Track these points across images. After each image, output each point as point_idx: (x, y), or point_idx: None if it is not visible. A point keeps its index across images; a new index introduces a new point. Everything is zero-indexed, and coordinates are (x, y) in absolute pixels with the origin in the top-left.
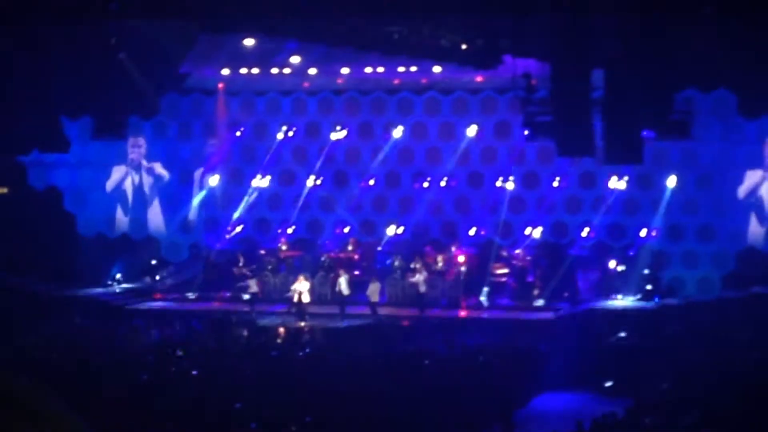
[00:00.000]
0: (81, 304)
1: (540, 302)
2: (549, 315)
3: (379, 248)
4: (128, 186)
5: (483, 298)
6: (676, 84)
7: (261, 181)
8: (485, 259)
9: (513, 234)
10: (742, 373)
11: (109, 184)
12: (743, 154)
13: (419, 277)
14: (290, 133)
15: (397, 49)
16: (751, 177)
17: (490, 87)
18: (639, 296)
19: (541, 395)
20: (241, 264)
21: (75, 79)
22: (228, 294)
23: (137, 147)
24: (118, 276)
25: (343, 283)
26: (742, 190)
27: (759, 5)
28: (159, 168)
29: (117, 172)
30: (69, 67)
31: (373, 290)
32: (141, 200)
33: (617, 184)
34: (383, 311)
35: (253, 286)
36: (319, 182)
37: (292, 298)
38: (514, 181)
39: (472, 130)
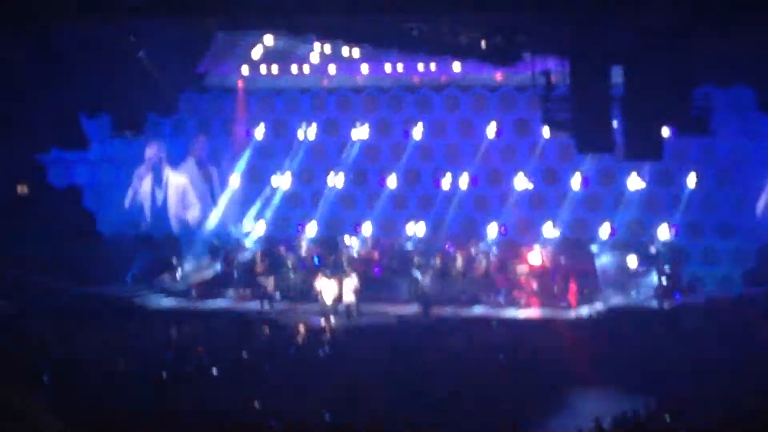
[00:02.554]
0: (101, 301)
1: (563, 301)
2: (570, 314)
3: (408, 245)
4: (148, 184)
5: (500, 298)
6: (695, 80)
7: (281, 180)
8: (506, 257)
9: (533, 231)
10: (764, 370)
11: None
12: (762, 149)
13: (424, 278)
14: (310, 131)
15: (416, 46)
16: None
17: (509, 84)
18: (660, 293)
19: (561, 392)
20: (259, 263)
21: (93, 77)
22: (248, 292)
23: (155, 148)
24: (138, 273)
25: (358, 283)
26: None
27: None
28: (178, 167)
29: (133, 171)
30: (87, 65)
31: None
32: (161, 198)
33: (637, 180)
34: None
35: (270, 284)
36: (338, 180)
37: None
38: (534, 178)
39: (491, 129)
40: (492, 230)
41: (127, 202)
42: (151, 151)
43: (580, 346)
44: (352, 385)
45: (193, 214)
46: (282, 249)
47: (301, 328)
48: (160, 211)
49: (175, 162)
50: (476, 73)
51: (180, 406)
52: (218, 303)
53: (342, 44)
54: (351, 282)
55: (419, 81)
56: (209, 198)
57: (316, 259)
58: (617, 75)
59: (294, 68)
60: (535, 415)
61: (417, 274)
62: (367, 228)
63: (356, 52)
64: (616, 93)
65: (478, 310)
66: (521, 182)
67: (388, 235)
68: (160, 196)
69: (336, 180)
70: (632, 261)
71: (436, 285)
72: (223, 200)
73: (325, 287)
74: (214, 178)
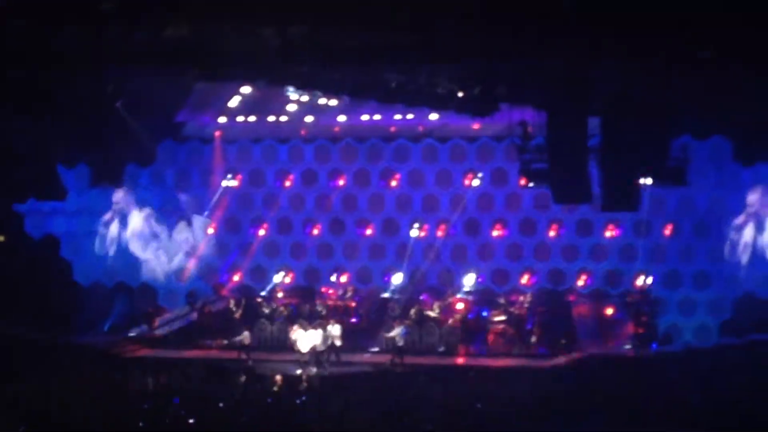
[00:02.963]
0: (78, 351)
1: (540, 350)
2: (547, 362)
3: (386, 295)
4: (124, 234)
5: (473, 346)
6: (672, 131)
7: (258, 229)
8: (483, 307)
9: (510, 281)
10: (740, 420)
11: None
12: (739, 200)
13: (396, 330)
14: (287, 182)
15: (394, 96)
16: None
17: (487, 134)
18: (636, 343)
19: None
20: (235, 311)
21: (72, 127)
22: (225, 342)
23: (131, 197)
24: (115, 323)
25: (335, 333)
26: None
27: (754, 54)
28: (155, 216)
29: (111, 221)
30: (66, 115)
31: (397, 333)
32: (137, 248)
33: (613, 231)
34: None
35: (247, 338)
36: (316, 230)
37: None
38: (511, 228)
39: (472, 181)
40: (469, 280)
41: (97, 249)
42: (117, 197)
43: (556, 394)
44: None
45: (163, 258)
46: (259, 298)
47: (278, 378)
48: (134, 259)
49: (147, 210)
50: (454, 123)
51: None
52: (195, 352)
53: (320, 95)
54: (328, 331)
55: (396, 131)
56: (184, 247)
57: (291, 309)
58: (594, 126)
59: (271, 118)
60: None
61: (393, 324)
62: (344, 277)
63: (333, 102)
64: (593, 144)
65: (454, 359)
66: (498, 232)
67: (365, 285)
68: (127, 242)
69: (314, 230)
70: (609, 310)
71: (413, 334)
72: (201, 249)
73: (301, 337)
74: (195, 227)
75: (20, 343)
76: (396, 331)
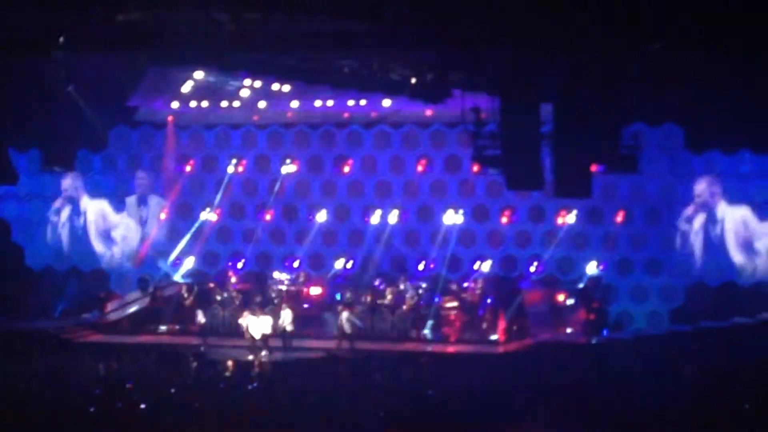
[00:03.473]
0: (29, 337)
1: (491, 336)
2: (499, 349)
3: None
4: (75, 219)
5: (427, 331)
6: (624, 118)
7: (210, 215)
8: (434, 293)
9: (462, 268)
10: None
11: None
12: (690, 188)
13: (344, 316)
14: (240, 167)
15: (347, 82)
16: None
17: (440, 121)
18: (588, 329)
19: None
20: (186, 297)
21: (23, 111)
22: (177, 327)
23: (83, 182)
24: (67, 308)
25: (286, 318)
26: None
27: (705, 42)
28: (106, 201)
29: (63, 206)
30: (17, 99)
31: (345, 319)
32: (89, 233)
33: (566, 218)
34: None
35: (201, 317)
36: (269, 216)
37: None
38: (464, 214)
39: (421, 165)
40: (421, 266)
41: (48, 236)
42: (67, 183)
43: (508, 381)
44: (280, 420)
45: (115, 243)
46: (211, 284)
47: (230, 363)
48: (86, 244)
49: (99, 194)
50: (407, 110)
51: None
52: (147, 337)
53: (273, 80)
54: (280, 317)
55: (349, 117)
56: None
57: (243, 295)
58: (547, 113)
59: (224, 103)
60: None
61: (344, 310)
62: (296, 263)
63: (286, 88)
64: (546, 131)
65: (407, 345)
66: (451, 218)
67: (317, 271)
68: (79, 227)
69: (266, 215)
70: (561, 297)
71: (365, 321)
72: (153, 234)
73: (253, 322)
74: (150, 211)
75: None
76: (343, 317)
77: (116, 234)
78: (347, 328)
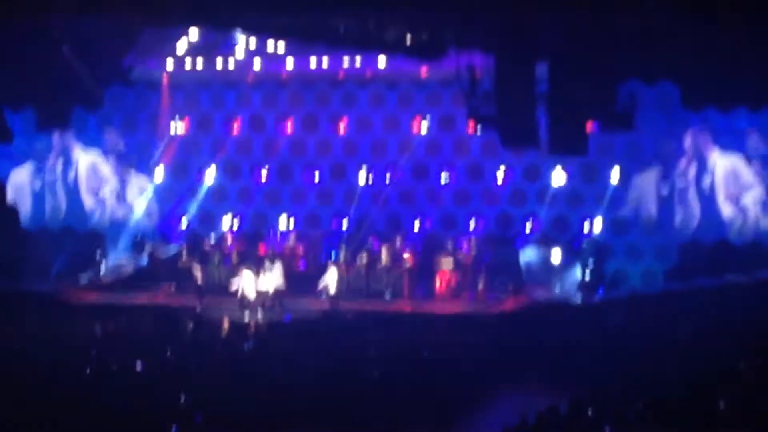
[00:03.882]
0: (24, 298)
1: (486, 296)
2: (494, 308)
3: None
4: (71, 179)
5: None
6: (620, 76)
7: (206, 175)
8: (430, 252)
9: (458, 226)
10: (685, 363)
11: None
12: (686, 146)
13: (330, 277)
14: (235, 126)
15: (342, 41)
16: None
17: (435, 80)
18: (583, 288)
19: (486, 389)
20: (184, 258)
21: (18, 71)
22: (173, 286)
23: (78, 141)
24: (62, 269)
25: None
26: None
27: None
28: (103, 161)
29: (58, 166)
30: (11, 59)
31: (331, 279)
32: (84, 194)
33: (561, 176)
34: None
35: (198, 272)
36: (263, 176)
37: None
38: (459, 173)
39: (416, 124)
40: (417, 225)
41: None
42: (64, 141)
43: (504, 341)
44: (277, 381)
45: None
46: (206, 243)
47: (226, 324)
48: (81, 205)
49: (95, 154)
50: (402, 69)
51: (104, 402)
52: (143, 298)
53: (267, 39)
54: (274, 276)
55: (344, 76)
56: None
57: (239, 254)
58: (542, 71)
59: (219, 63)
60: (460, 412)
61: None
62: (291, 223)
63: (281, 47)
64: (541, 89)
65: (402, 305)
66: (446, 177)
67: (312, 230)
68: (71, 178)
69: (261, 175)
70: (556, 256)
71: (360, 281)
72: (148, 195)
73: (248, 282)
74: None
75: None
76: (329, 276)
77: (111, 194)
78: (331, 289)
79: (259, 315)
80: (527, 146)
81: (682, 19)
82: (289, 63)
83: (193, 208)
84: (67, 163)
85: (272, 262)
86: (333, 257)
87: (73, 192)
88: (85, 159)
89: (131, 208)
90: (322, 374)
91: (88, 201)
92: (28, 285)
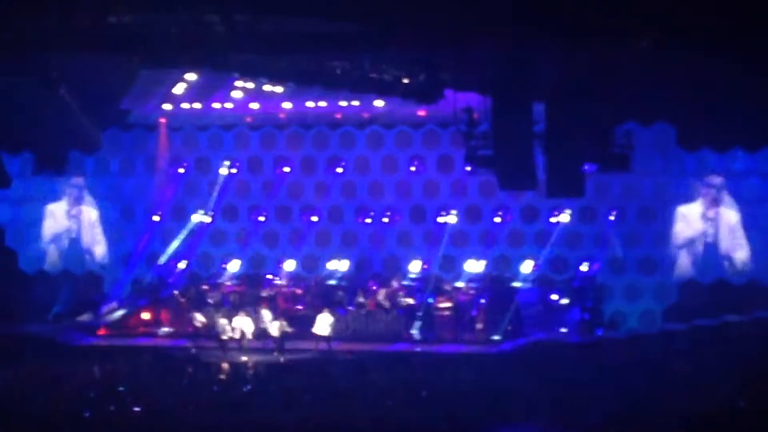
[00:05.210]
0: (22, 341)
1: (484, 337)
2: (493, 349)
3: (332, 282)
4: (69, 222)
5: (415, 332)
6: (617, 117)
7: (204, 217)
8: (428, 294)
9: (455, 268)
10: (684, 404)
11: (49, 223)
12: (682, 186)
13: (325, 320)
14: (233, 169)
15: (339, 83)
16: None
17: (433, 121)
18: (582, 329)
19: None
20: (181, 300)
21: (15, 114)
22: (171, 329)
23: (76, 184)
24: (60, 312)
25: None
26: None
27: (696, 40)
28: (99, 204)
29: (56, 209)
30: (9, 102)
31: (324, 323)
32: (82, 236)
33: (560, 217)
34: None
35: (199, 319)
36: (262, 217)
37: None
38: (457, 215)
39: (414, 166)
40: (415, 266)
41: (41, 238)
42: (62, 184)
43: (502, 381)
44: (275, 422)
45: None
46: (205, 286)
47: (225, 366)
48: (80, 248)
49: (92, 197)
50: (399, 111)
51: None
52: (141, 340)
53: (265, 82)
54: (274, 319)
55: (342, 117)
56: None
57: (237, 297)
58: (539, 112)
59: (216, 105)
60: None
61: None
62: (290, 265)
63: (279, 88)
64: (538, 130)
65: (400, 346)
66: (444, 219)
67: (311, 272)
68: (74, 230)
69: (259, 217)
70: (555, 297)
71: (359, 322)
72: (147, 237)
73: (247, 324)
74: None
75: None
76: (323, 319)
77: (108, 236)
78: (326, 330)
79: (257, 356)
80: (524, 188)
81: (678, 60)
82: (287, 105)
83: (191, 250)
84: (66, 205)
85: (270, 303)
86: (332, 298)
87: (71, 234)
88: (83, 202)
89: (129, 250)
90: (319, 415)
91: (86, 243)
92: (26, 328)
